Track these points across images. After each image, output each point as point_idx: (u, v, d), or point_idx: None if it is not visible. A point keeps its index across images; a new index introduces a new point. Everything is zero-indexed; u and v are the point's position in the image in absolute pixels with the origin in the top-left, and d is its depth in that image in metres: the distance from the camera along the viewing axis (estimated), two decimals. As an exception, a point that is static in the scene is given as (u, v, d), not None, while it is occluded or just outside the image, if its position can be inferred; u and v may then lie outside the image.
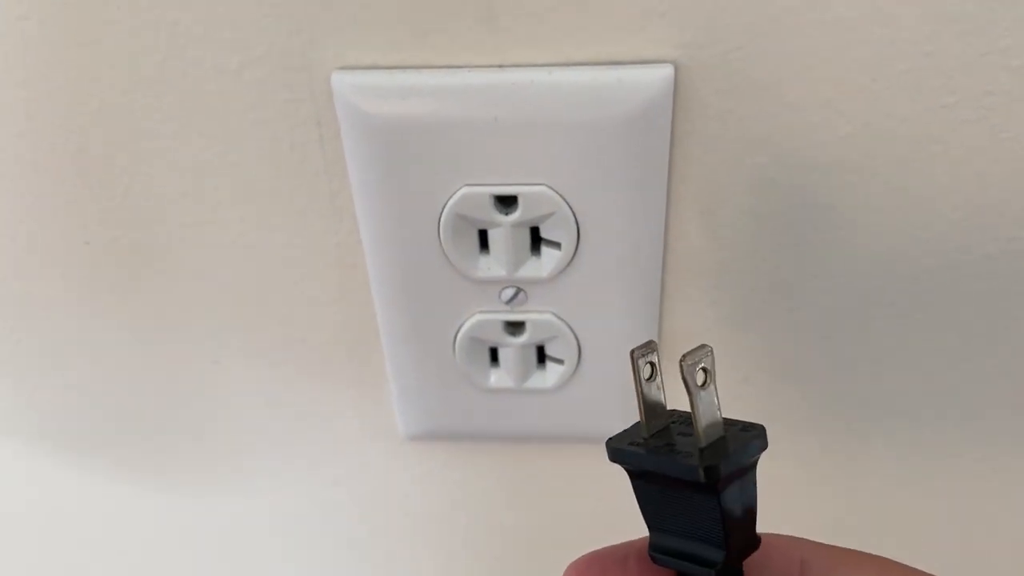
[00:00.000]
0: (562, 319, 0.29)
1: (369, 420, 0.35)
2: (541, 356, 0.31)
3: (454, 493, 0.37)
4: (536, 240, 0.28)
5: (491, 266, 0.28)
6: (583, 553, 0.22)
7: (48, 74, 0.27)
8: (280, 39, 0.25)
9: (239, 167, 0.28)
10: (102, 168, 0.29)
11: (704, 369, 0.18)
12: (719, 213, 0.28)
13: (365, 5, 0.25)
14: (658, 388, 0.20)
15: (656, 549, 0.20)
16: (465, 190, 0.26)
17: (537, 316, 0.29)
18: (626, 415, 0.27)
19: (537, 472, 0.36)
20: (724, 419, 0.19)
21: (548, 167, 0.26)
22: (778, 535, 0.21)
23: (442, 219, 0.27)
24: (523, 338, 0.30)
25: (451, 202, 0.27)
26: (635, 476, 0.20)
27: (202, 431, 0.36)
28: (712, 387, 0.19)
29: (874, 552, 0.21)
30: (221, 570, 0.43)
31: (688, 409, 0.19)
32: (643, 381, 0.20)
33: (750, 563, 0.20)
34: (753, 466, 0.19)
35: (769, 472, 0.35)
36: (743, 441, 0.19)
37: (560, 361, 0.30)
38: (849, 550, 0.21)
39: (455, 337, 0.30)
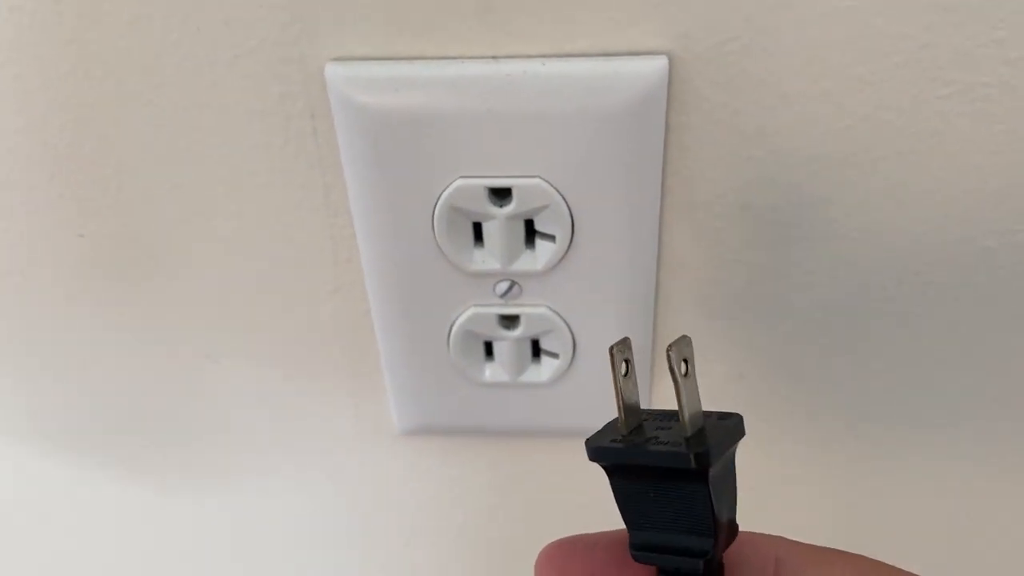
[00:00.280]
0: (557, 312, 0.29)
1: (364, 415, 0.35)
2: (536, 350, 0.31)
3: (450, 488, 0.37)
4: (531, 233, 0.28)
5: (485, 259, 0.28)
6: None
7: (41, 68, 0.27)
8: (273, 31, 0.25)
9: (232, 160, 0.28)
10: (96, 163, 0.29)
11: (685, 360, 0.19)
12: (714, 206, 0.28)
13: (358, -4, 0.25)
14: (634, 385, 0.20)
15: (637, 547, 0.20)
16: (459, 182, 0.26)
17: (531, 310, 0.29)
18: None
19: (533, 466, 0.36)
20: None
21: (542, 159, 0.26)
22: (755, 533, 0.21)
23: (436, 211, 0.27)
24: (518, 332, 0.30)
25: (445, 194, 0.27)
26: (614, 474, 0.20)
27: (196, 427, 0.36)
28: (694, 377, 0.19)
29: (870, 553, 0.20)
30: (218, 567, 0.42)
31: (659, 407, 0.19)
32: (621, 378, 0.20)
33: (727, 559, 0.20)
34: (733, 453, 0.20)
35: (766, 471, 0.35)
36: (724, 429, 0.19)
37: (555, 355, 0.30)
38: (826, 548, 0.21)
39: (449, 331, 0.30)
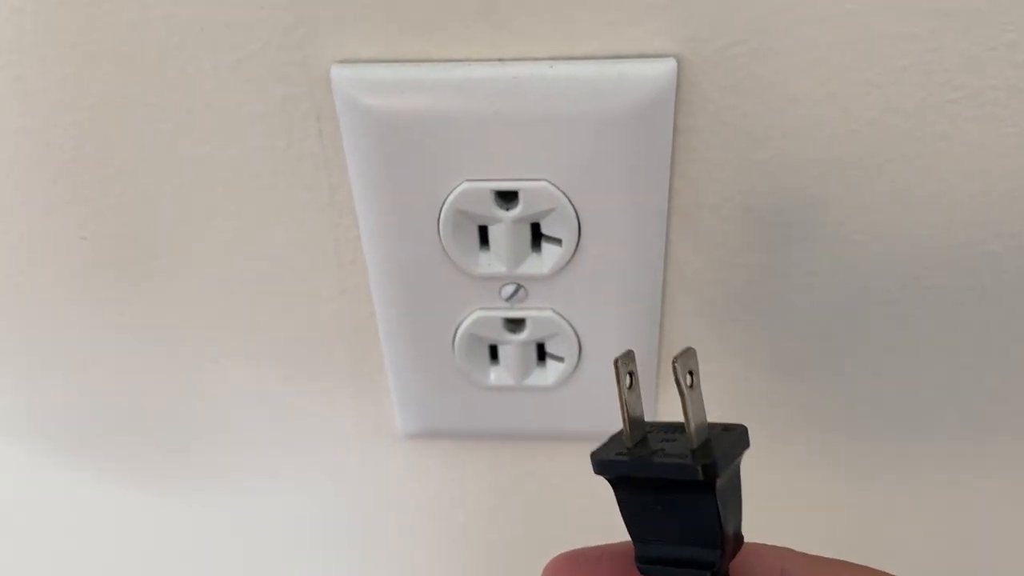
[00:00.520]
0: (563, 316, 0.29)
1: (368, 418, 0.35)
2: (541, 354, 0.31)
3: (453, 491, 0.37)
4: (537, 236, 0.28)
5: (491, 262, 0.28)
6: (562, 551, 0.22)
7: (44, 69, 0.26)
8: (278, 33, 0.25)
9: (237, 162, 0.28)
10: (99, 164, 0.28)
11: (691, 372, 0.19)
12: (721, 209, 0.28)
13: (364, -2, 0.25)
14: (638, 398, 0.20)
15: (643, 561, 0.20)
16: (465, 185, 0.26)
17: (537, 313, 0.29)
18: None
19: (536, 470, 0.36)
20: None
21: (549, 162, 0.26)
22: (760, 544, 0.21)
23: (442, 214, 0.27)
24: (523, 335, 0.30)
25: (451, 197, 0.26)
26: (620, 487, 0.20)
27: (197, 428, 0.36)
28: (699, 388, 0.19)
29: (876, 562, 0.20)
30: (217, 567, 0.42)
31: (664, 417, 0.19)
32: (626, 391, 0.20)
33: (732, 570, 0.20)
34: (739, 465, 0.20)
35: (768, 474, 0.35)
36: (729, 440, 0.19)
37: (560, 359, 0.30)
38: (830, 559, 0.21)
39: (455, 334, 0.30)
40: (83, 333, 0.33)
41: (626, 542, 0.21)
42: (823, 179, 0.27)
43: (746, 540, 0.20)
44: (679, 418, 0.19)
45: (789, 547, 0.21)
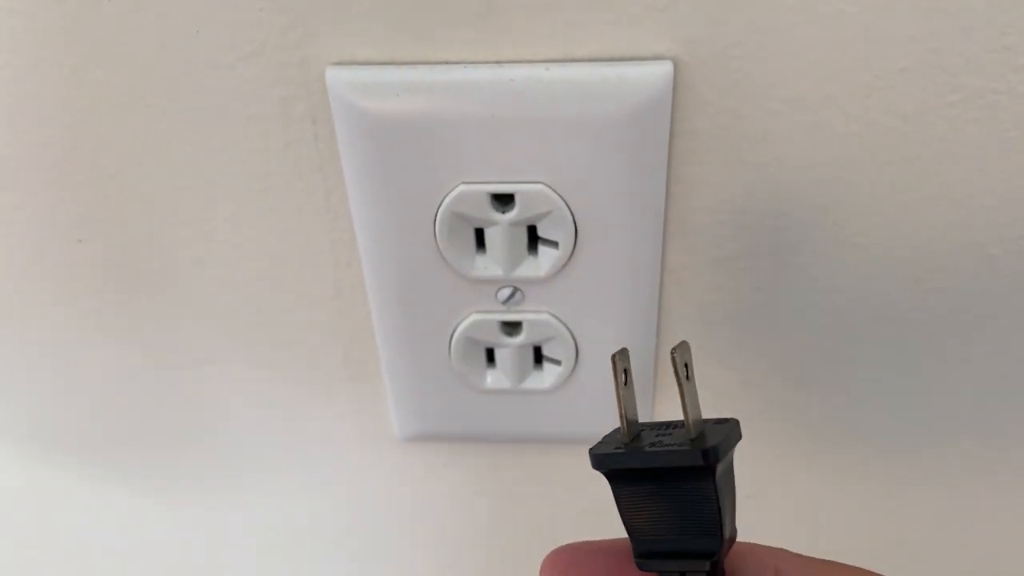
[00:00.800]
0: (559, 319, 0.29)
1: (364, 421, 0.35)
2: (538, 357, 0.31)
3: (450, 495, 0.37)
4: (533, 239, 0.28)
5: (488, 265, 0.28)
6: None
7: (39, 71, 0.26)
8: (274, 35, 0.25)
9: (233, 164, 0.28)
10: (94, 167, 0.28)
11: (686, 364, 0.19)
12: (718, 212, 0.27)
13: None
14: (632, 394, 0.21)
15: (641, 555, 0.20)
16: (462, 188, 0.26)
17: (534, 316, 0.29)
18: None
19: (534, 473, 0.36)
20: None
21: (546, 165, 0.26)
22: (754, 544, 0.21)
23: (438, 217, 0.27)
24: (520, 338, 0.29)
25: (447, 200, 0.26)
26: (618, 481, 0.20)
27: (195, 432, 0.36)
28: (694, 381, 0.20)
29: (872, 564, 0.20)
30: (217, 568, 0.42)
31: (658, 419, 0.19)
32: (622, 387, 0.20)
33: (727, 569, 0.20)
34: (732, 458, 0.20)
35: (768, 475, 0.34)
36: (723, 432, 0.19)
37: (557, 362, 0.30)
38: (825, 561, 0.21)
39: (451, 337, 0.30)
40: (79, 335, 0.33)
41: (624, 538, 0.21)
42: (822, 182, 0.27)
43: (741, 540, 0.21)
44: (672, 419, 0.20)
45: (784, 548, 0.21)
